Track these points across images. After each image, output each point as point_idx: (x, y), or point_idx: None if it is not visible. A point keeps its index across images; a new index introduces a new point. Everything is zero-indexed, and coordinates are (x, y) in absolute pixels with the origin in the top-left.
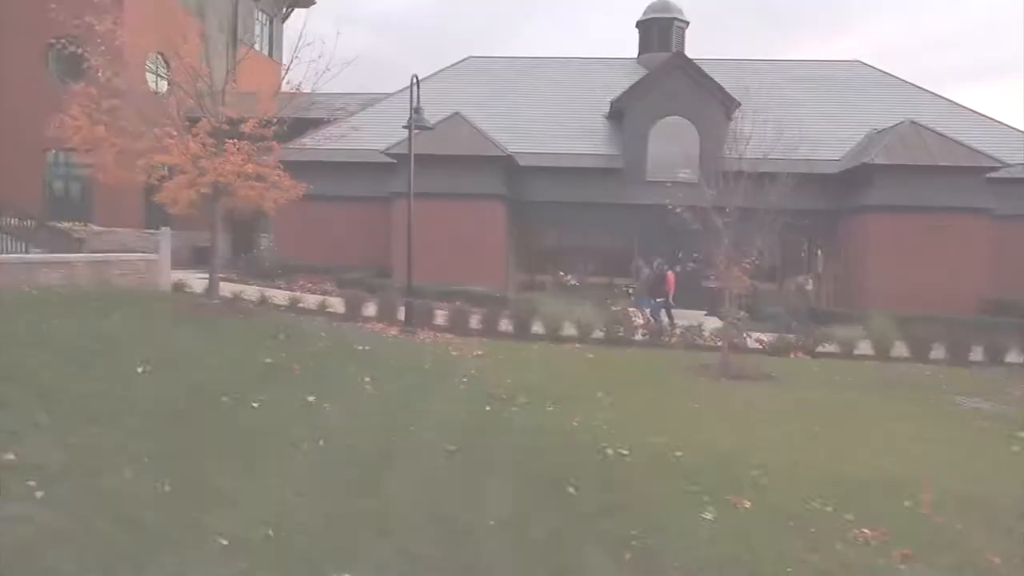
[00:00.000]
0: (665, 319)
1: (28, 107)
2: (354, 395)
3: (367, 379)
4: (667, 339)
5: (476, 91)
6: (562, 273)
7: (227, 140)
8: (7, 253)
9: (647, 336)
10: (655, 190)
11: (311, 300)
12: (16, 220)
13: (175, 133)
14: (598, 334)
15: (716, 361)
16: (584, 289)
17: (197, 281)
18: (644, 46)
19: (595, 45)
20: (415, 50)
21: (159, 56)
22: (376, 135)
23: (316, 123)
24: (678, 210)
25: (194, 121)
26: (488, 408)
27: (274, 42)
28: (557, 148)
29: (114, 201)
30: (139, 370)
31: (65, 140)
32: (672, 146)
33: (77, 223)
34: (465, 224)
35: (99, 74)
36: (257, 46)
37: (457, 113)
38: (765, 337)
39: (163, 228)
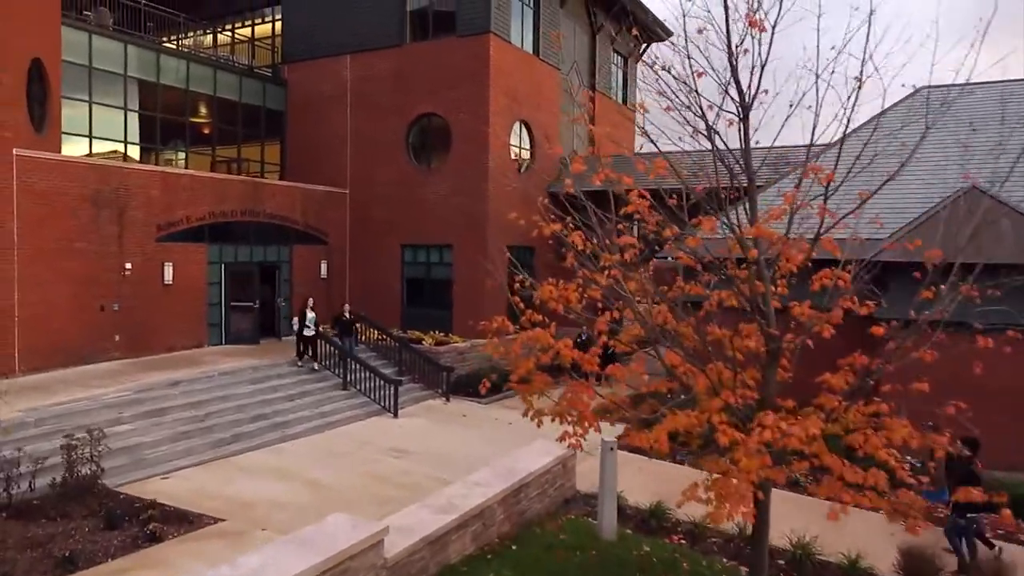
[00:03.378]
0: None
1: (390, 195)
2: None
3: None
4: None
5: (949, 139)
6: None
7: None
8: (365, 395)
9: None
10: None
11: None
12: (377, 334)
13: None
14: None
15: None
16: None
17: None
18: None
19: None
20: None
21: (522, 126)
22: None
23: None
24: None
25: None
26: None
27: (629, 87)
28: None
29: (471, 301)
30: None
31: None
32: None
33: (438, 334)
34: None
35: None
36: (614, 95)
37: (974, 188)
38: None
39: (608, 440)
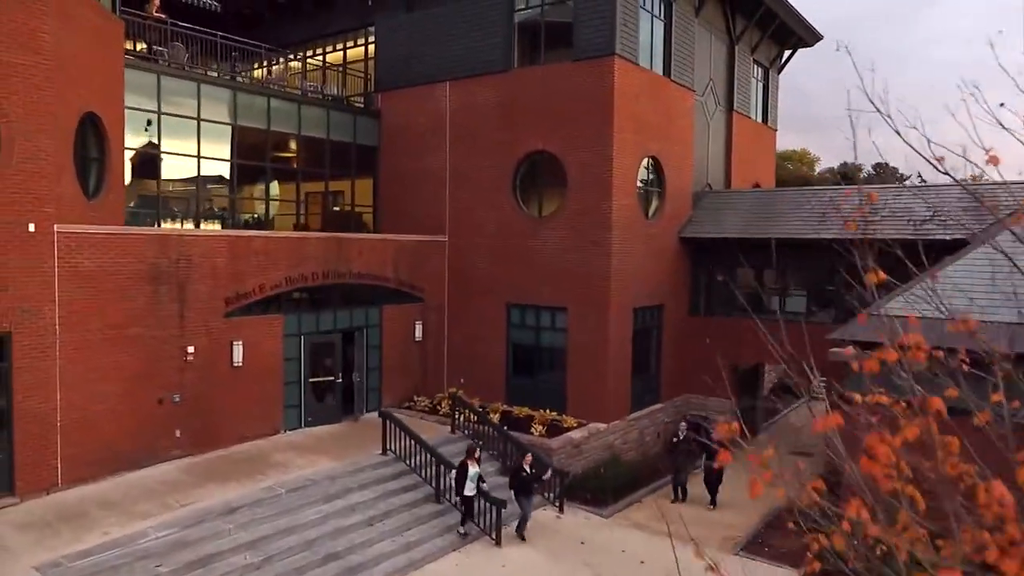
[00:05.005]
0: None
1: (494, 245)
2: None
3: None
4: None
5: None
6: None
7: None
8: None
9: None
10: None
11: None
12: (474, 417)
13: None
14: None
15: None
16: None
17: None
18: None
19: None
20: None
21: (650, 162)
22: None
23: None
24: None
25: None
26: None
27: (769, 100)
28: None
29: (589, 376)
30: None
31: None
32: None
33: (548, 413)
34: None
35: None
36: (753, 113)
37: None
38: None
39: None
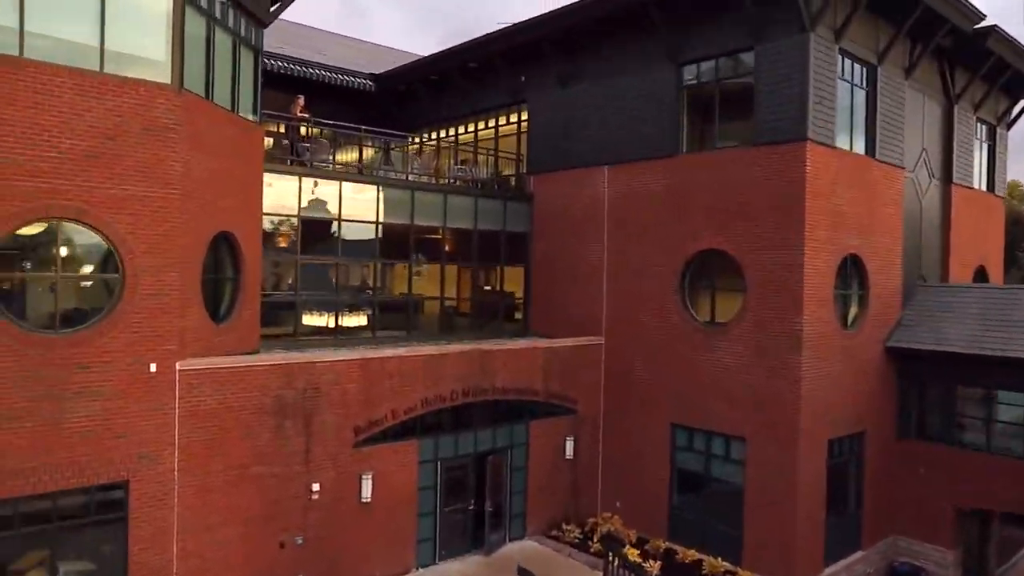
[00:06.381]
0: None
1: (657, 353)
2: None
3: None
4: None
5: None
6: None
7: None
8: None
9: None
10: None
11: None
12: (630, 570)
13: None
14: None
15: None
16: None
17: None
18: None
19: None
20: None
21: (850, 260)
22: None
23: None
24: None
25: None
26: None
27: (996, 164)
28: None
29: (771, 524)
30: None
31: None
32: None
33: (720, 562)
34: None
35: None
36: (976, 181)
37: None
38: None
39: None
